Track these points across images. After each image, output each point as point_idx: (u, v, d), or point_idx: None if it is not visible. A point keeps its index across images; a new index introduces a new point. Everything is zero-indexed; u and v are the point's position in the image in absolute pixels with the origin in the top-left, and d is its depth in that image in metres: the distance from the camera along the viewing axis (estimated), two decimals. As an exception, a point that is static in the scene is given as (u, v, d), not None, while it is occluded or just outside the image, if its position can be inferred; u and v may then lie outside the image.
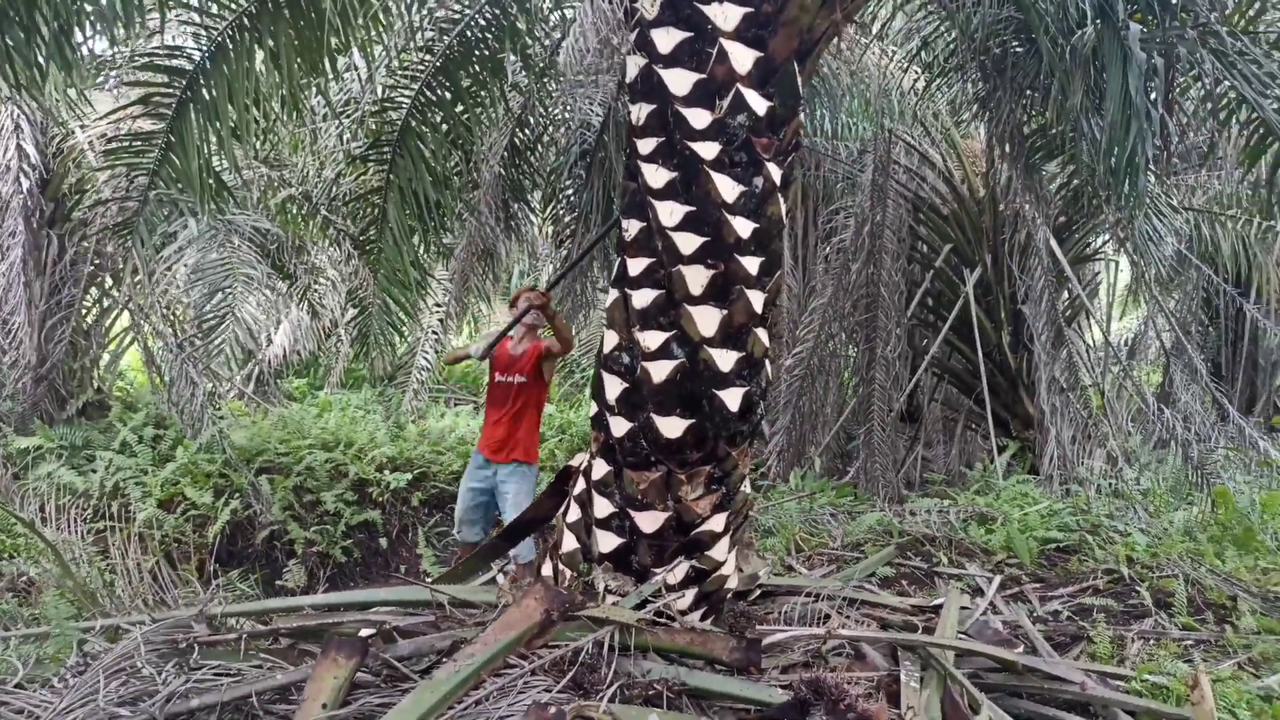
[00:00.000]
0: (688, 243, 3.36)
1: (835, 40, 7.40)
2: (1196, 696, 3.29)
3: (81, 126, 7.25)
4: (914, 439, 9.89)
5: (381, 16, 5.44)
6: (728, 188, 3.33)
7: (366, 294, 7.62)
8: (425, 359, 11.91)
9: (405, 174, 6.65)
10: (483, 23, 5.88)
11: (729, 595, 4.03)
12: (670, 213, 3.37)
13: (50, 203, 7.97)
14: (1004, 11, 5.76)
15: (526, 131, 7.47)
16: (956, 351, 9.58)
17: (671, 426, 3.49)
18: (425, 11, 5.84)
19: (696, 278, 3.38)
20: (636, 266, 3.51)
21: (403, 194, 6.73)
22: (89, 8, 4.63)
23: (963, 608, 4.64)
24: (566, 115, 7.39)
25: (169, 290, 7.51)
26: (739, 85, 3.30)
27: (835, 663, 3.81)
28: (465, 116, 6.80)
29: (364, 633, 3.22)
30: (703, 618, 3.83)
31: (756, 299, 3.46)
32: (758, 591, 4.72)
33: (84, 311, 8.46)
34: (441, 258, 9.67)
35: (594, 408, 3.78)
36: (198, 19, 5.52)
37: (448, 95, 6.55)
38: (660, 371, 3.45)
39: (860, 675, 3.51)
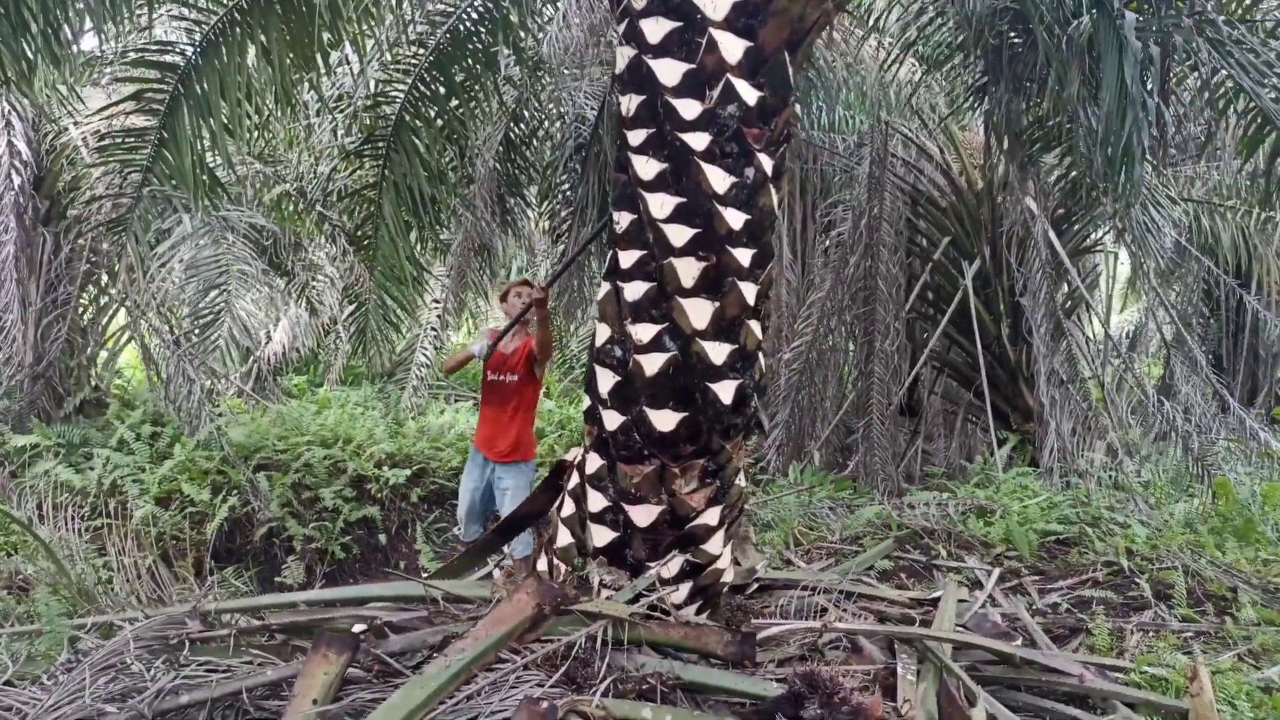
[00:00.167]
0: (679, 235, 3.33)
1: (827, 30, 7.40)
2: (1195, 688, 3.26)
3: (75, 123, 7.22)
4: (914, 432, 9.87)
5: (373, 9, 5.42)
6: (719, 179, 3.30)
7: (363, 290, 7.61)
8: (424, 355, 11.90)
9: (400, 169, 6.62)
10: (475, 16, 5.85)
11: (725, 589, 4.01)
12: (661, 205, 3.35)
13: (45, 200, 7.95)
14: (1001, 2, 5.73)
15: (521, 126, 7.45)
16: (956, 344, 9.55)
17: (664, 420, 3.47)
18: (417, 4, 5.79)
19: (688, 270, 3.35)
20: (628, 259, 3.48)
21: (398, 189, 6.70)
22: (78, 4, 4.62)
23: (961, 601, 4.63)
24: (561, 109, 7.37)
25: (165, 287, 7.49)
26: (729, 75, 3.27)
27: (831, 656, 3.79)
28: (459, 111, 6.77)
29: (356, 628, 3.21)
30: (698, 612, 3.81)
31: (749, 291, 3.43)
32: (755, 585, 4.70)
33: (81, 310, 8.45)
34: (439, 254, 9.66)
35: (587, 401, 3.76)
36: (189, 14, 5.50)
37: (441, 89, 6.52)
38: (652, 364, 3.43)
39: (856, 668, 3.49)
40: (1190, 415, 8.23)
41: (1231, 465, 7.56)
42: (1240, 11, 5.50)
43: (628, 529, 3.63)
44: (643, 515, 3.59)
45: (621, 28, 3.50)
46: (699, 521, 3.63)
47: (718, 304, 3.41)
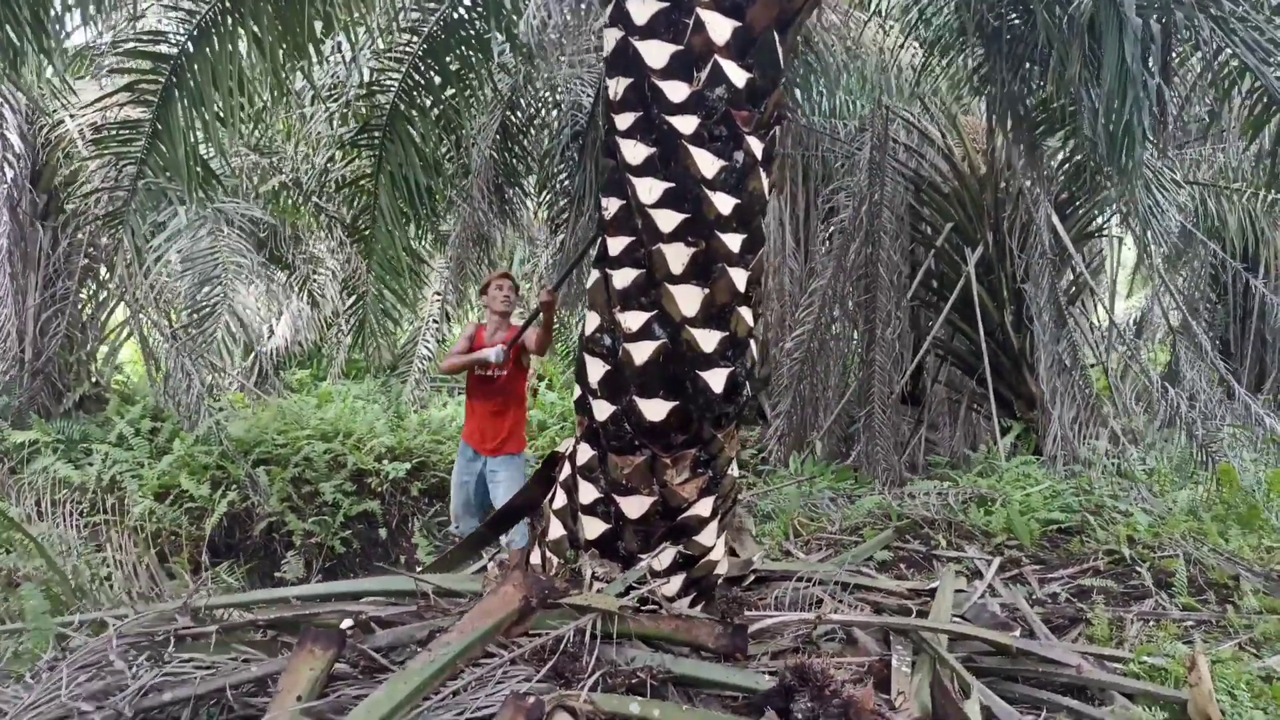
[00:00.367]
0: (667, 220, 3.28)
1: (817, 10, 7.31)
2: (1194, 678, 3.21)
3: (71, 116, 7.19)
4: (918, 421, 9.79)
5: (364, -2, 5.36)
6: (707, 162, 3.24)
7: (361, 283, 7.57)
8: (426, 348, 11.87)
9: (396, 159, 6.56)
10: (467, 2, 5.78)
11: (719, 581, 3.96)
12: (649, 189, 3.29)
13: (43, 195, 7.92)
14: (1001, -20, 5.64)
15: (518, 114, 7.38)
16: (959, 332, 9.46)
17: (654, 409, 3.42)
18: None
19: (677, 256, 3.29)
20: (617, 246, 3.43)
21: (394, 180, 6.64)
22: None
23: (960, 591, 4.57)
24: (558, 97, 7.30)
25: (162, 281, 7.46)
26: (717, 56, 3.21)
27: (827, 648, 3.75)
28: (454, 99, 6.70)
29: (345, 624, 3.17)
30: (692, 604, 3.76)
31: (739, 277, 3.37)
32: (751, 577, 4.66)
33: (80, 305, 8.43)
34: (440, 245, 9.62)
35: (578, 391, 3.71)
36: (181, 3, 5.45)
37: (436, 78, 6.46)
38: (642, 353, 3.37)
39: (850, 660, 3.44)
40: (1195, 402, 8.14)
41: (1237, 452, 7.49)
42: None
43: (619, 521, 3.58)
44: (634, 507, 3.54)
45: (609, 9, 3.43)
46: (691, 513, 3.58)
47: (707, 290, 3.35)
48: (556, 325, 12.67)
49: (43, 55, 5.02)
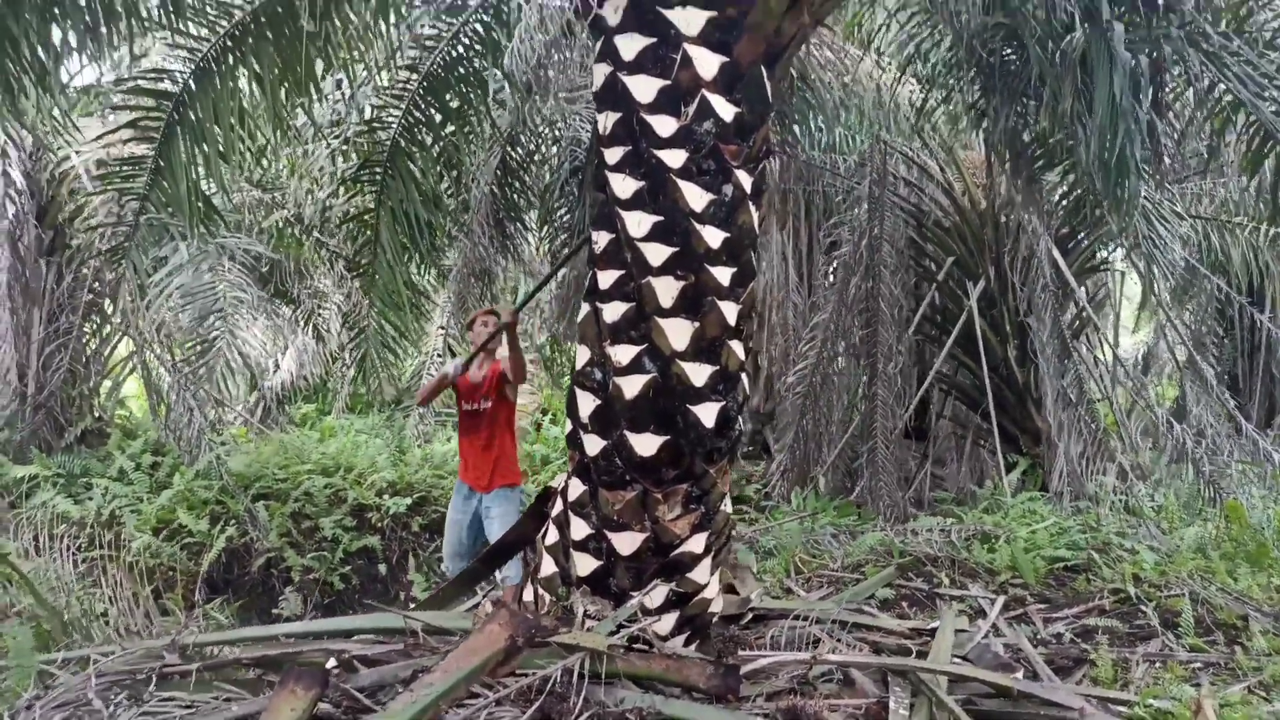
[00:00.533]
0: (656, 253, 3.27)
1: (812, 46, 7.35)
2: (1199, 721, 3.13)
3: (76, 153, 7.27)
4: (924, 456, 9.71)
5: (362, 36, 5.42)
6: (695, 196, 3.24)
7: (362, 317, 7.58)
8: (433, 373, 11.85)
9: (397, 194, 6.60)
10: (464, 41, 5.84)
11: (714, 619, 3.90)
12: (638, 223, 3.28)
13: (49, 230, 7.99)
14: (994, 17, 5.67)
15: (518, 150, 7.43)
16: (963, 366, 9.41)
17: (645, 444, 3.38)
18: (406, 30, 5.80)
19: (666, 289, 3.28)
20: (606, 279, 3.42)
21: (395, 215, 6.68)
22: (66, 26, 4.63)
23: (962, 630, 4.49)
24: (557, 132, 7.35)
25: (164, 315, 7.49)
26: (704, 91, 3.22)
27: (824, 689, 3.67)
28: (454, 136, 6.76)
29: (330, 663, 3.12)
30: (687, 642, 3.70)
31: (730, 310, 3.36)
32: (750, 615, 4.59)
33: (84, 340, 8.47)
34: (443, 279, 9.65)
35: (569, 425, 3.68)
36: (183, 41, 5.52)
37: (435, 114, 6.52)
38: (632, 387, 3.35)
39: (847, 702, 3.37)
40: (1203, 437, 8.05)
41: (1246, 488, 7.38)
42: (1236, 24, 5.41)
43: (611, 557, 3.54)
44: (625, 543, 3.50)
45: (597, 45, 3.45)
46: (683, 549, 3.54)
47: (697, 324, 3.33)
48: (558, 359, 12.63)
49: (47, 93, 5.07)
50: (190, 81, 5.43)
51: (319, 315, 10.93)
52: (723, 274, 3.32)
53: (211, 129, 5.49)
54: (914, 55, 6.76)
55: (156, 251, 6.61)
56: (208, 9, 5.25)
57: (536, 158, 7.86)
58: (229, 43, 5.34)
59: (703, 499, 3.56)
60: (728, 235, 3.32)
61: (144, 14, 4.68)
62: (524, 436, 11.56)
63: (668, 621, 3.57)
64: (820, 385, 8.79)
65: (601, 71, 3.42)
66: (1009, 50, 5.82)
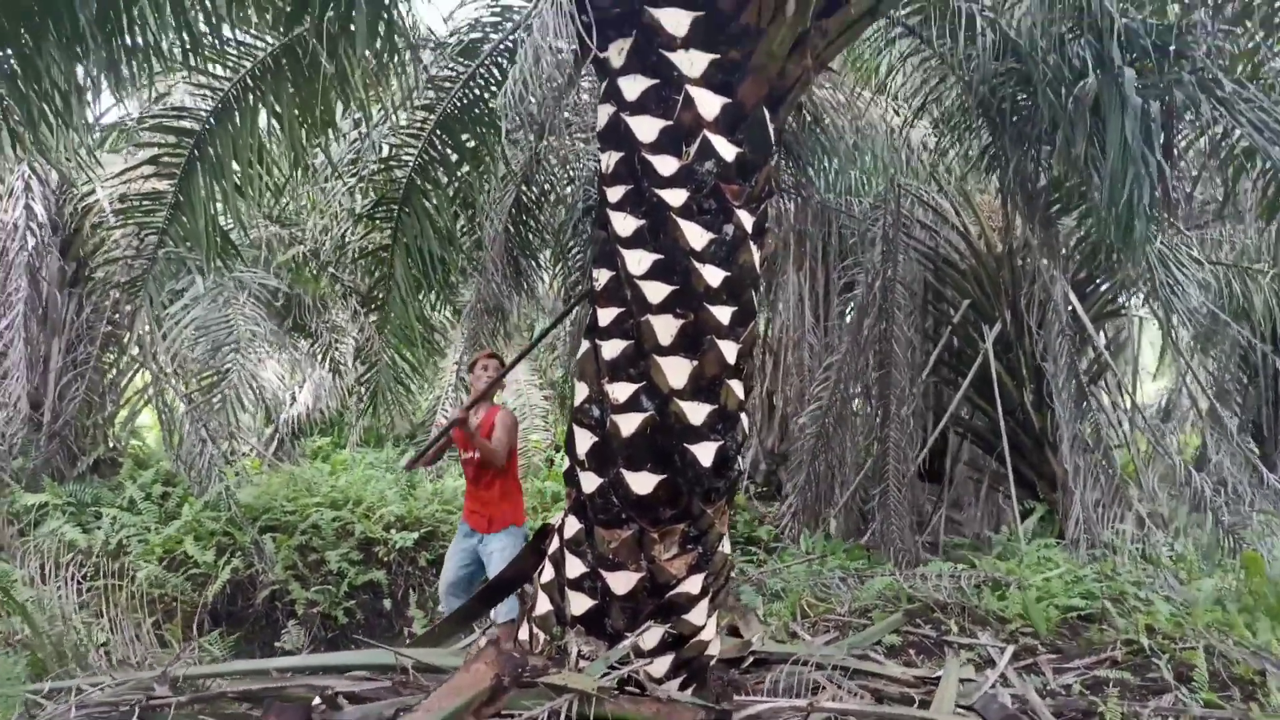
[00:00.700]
0: (656, 291, 3.27)
1: (827, 89, 7.40)
2: (1208, 780, 3.02)
3: (100, 187, 7.41)
4: (939, 500, 9.59)
5: (375, 76, 5.51)
6: (696, 235, 3.24)
7: (375, 352, 7.63)
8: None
9: (411, 231, 6.67)
10: (480, 82, 5.93)
11: (712, 661, 3.83)
12: (638, 261, 3.29)
13: (71, 262, 8.13)
14: (1004, 63, 5.70)
15: (533, 188, 7.49)
16: (979, 410, 9.33)
17: (642, 482, 3.35)
18: (423, 70, 5.89)
19: (665, 327, 3.27)
20: (606, 316, 3.42)
21: (409, 251, 6.74)
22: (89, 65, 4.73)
23: (969, 680, 4.39)
24: (570, 172, 7.42)
25: (179, 347, 7.57)
26: (706, 131, 3.24)
27: (822, 737, 3.59)
28: (469, 174, 6.84)
29: (317, 700, 3.09)
30: (683, 686, 3.63)
31: (729, 350, 3.34)
32: (751, 658, 4.51)
33: (103, 371, 8.56)
34: (458, 315, 9.72)
35: (567, 463, 3.66)
36: (203, 80, 5.64)
37: (450, 153, 6.60)
38: (629, 424, 3.33)
39: (844, 751, 3.30)
40: (1223, 486, 7.90)
41: (1270, 539, 7.21)
42: (1251, 70, 5.40)
43: (606, 596, 3.50)
44: (621, 582, 3.46)
45: (602, 86, 3.49)
46: (680, 590, 3.49)
47: (696, 363, 3.32)
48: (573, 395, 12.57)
49: (70, 129, 5.18)
50: (211, 119, 5.53)
51: (336, 349, 11.01)
52: (722, 313, 3.32)
53: (230, 165, 5.58)
54: (926, 101, 6.80)
55: (173, 285, 6.70)
56: (228, 50, 5.36)
57: (552, 196, 7.93)
58: (249, 81, 5.44)
59: (700, 539, 3.52)
60: (728, 274, 3.32)
61: (165, 53, 4.78)
62: (536, 473, 11.53)
63: (663, 663, 3.51)
64: (833, 426, 8.73)
65: (605, 112, 3.45)
66: (1023, 96, 5.84)
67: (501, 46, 6.00)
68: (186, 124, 5.69)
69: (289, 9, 4.57)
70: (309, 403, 14.14)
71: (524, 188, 7.41)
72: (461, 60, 6.07)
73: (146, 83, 4.95)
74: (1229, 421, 8.15)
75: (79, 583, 6.01)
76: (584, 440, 3.50)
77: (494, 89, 6.08)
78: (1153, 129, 4.23)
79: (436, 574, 8.38)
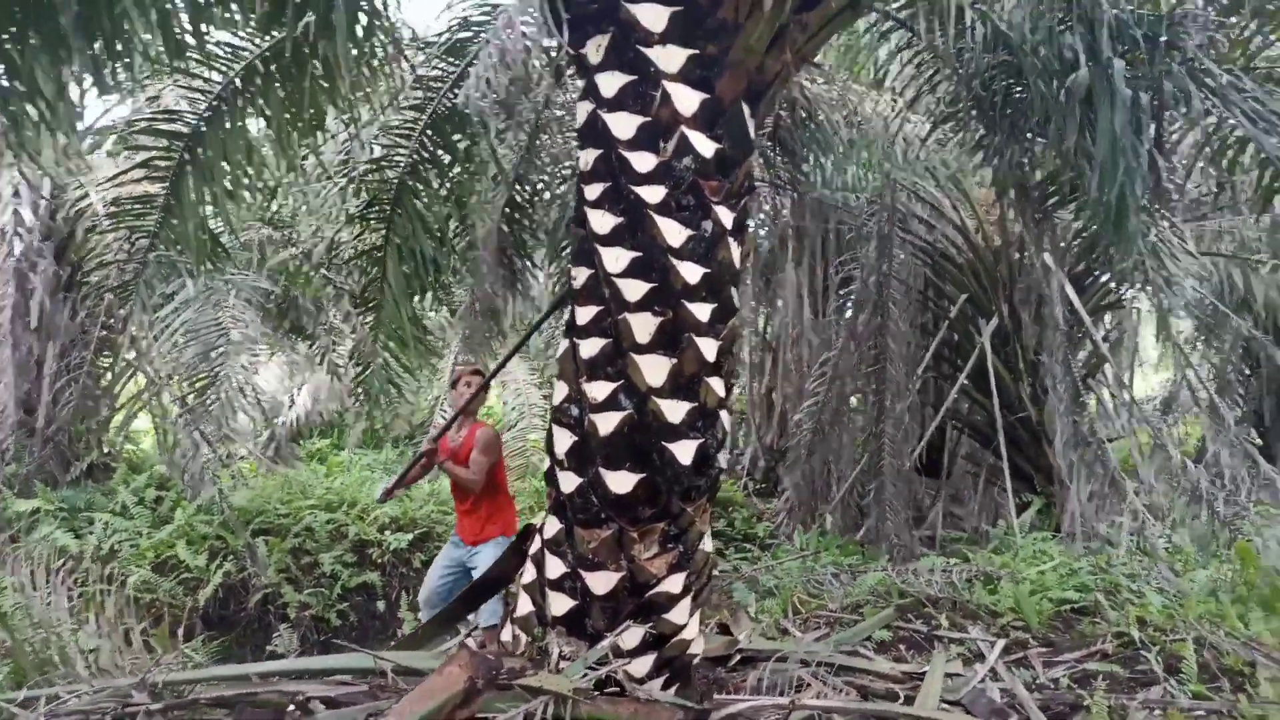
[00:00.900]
0: (634, 289, 3.24)
1: (817, 83, 7.36)
2: (1194, 777, 2.99)
3: (93, 191, 7.41)
4: (937, 494, 9.56)
5: (361, 78, 5.48)
6: (674, 232, 3.22)
7: (369, 353, 7.61)
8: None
9: (403, 232, 6.65)
10: (484, 83, 5.88)
11: (696, 660, 3.81)
12: (616, 259, 3.26)
13: (66, 267, 8.13)
14: (997, 56, 5.66)
15: (525, 187, 7.46)
16: (976, 404, 9.30)
17: (621, 481, 3.33)
18: (410, 71, 5.87)
19: (643, 325, 3.25)
20: (584, 315, 3.39)
21: (401, 252, 6.73)
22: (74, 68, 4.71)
23: (957, 675, 4.36)
24: (564, 171, 7.38)
25: (170, 351, 7.56)
26: (684, 127, 3.21)
27: (807, 735, 3.57)
28: (460, 174, 6.81)
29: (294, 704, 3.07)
30: (665, 685, 3.61)
31: (708, 347, 3.31)
32: (738, 656, 4.49)
33: (97, 375, 8.55)
34: (454, 315, 9.69)
35: (547, 462, 3.64)
36: (192, 83, 5.62)
37: (442, 154, 6.58)
38: (607, 423, 3.31)
39: (827, 750, 3.27)
40: (1222, 478, 7.85)
41: (1266, 530, 7.16)
42: (1245, 60, 5.36)
43: (586, 597, 3.47)
44: (601, 582, 3.43)
45: (581, 83, 3.46)
46: (660, 589, 3.46)
47: (675, 361, 3.29)
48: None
49: (59, 133, 5.16)
50: (201, 122, 5.52)
51: (334, 351, 11.00)
52: (701, 310, 3.29)
53: (220, 168, 5.56)
54: (919, 94, 6.77)
55: (164, 288, 6.68)
56: (217, 52, 5.34)
57: (545, 195, 7.90)
58: (239, 84, 5.43)
59: (680, 538, 3.49)
60: (707, 271, 3.29)
61: (150, 55, 4.76)
62: (535, 472, 11.51)
63: (644, 663, 3.48)
64: (829, 423, 8.71)
65: (584, 109, 3.43)
66: (1019, 89, 5.80)
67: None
68: (177, 127, 5.68)
69: (269, 9, 4.56)
70: (308, 405, 14.14)
71: (517, 187, 7.38)
72: (450, 60, 6.04)
73: (133, 86, 4.95)
74: (1228, 413, 8.09)
75: (70, 589, 6.01)
76: (563, 440, 3.48)
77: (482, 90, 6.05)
78: (1143, 121, 4.19)
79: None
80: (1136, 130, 4.37)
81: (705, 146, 3.27)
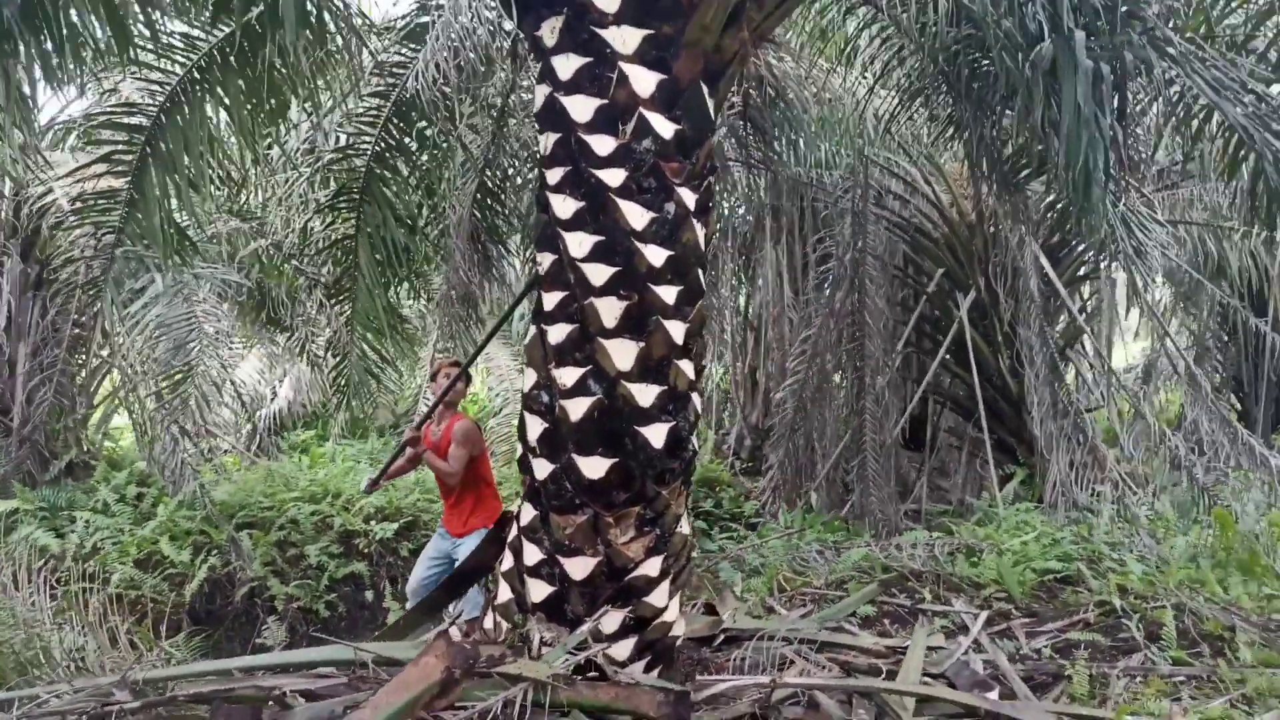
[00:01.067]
0: (598, 274, 3.22)
1: (784, 60, 7.32)
2: (1169, 740, 3.03)
3: (56, 186, 7.31)
4: (921, 468, 9.61)
5: (327, 65, 5.42)
6: (636, 215, 3.20)
7: (344, 343, 7.57)
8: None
9: (374, 220, 6.60)
10: (433, 68, 5.83)
11: (678, 642, 3.82)
12: (579, 243, 3.24)
13: (34, 266, 8.04)
14: (962, 30, 5.63)
15: (496, 172, 7.41)
16: (957, 378, 9.34)
17: (593, 466, 3.32)
18: (369, 58, 5.80)
19: (609, 310, 3.23)
20: (551, 301, 3.37)
21: (372, 240, 6.69)
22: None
23: (939, 648, 4.40)
24: (534, 154, 7.33)
25: (142, 347, 7.49)
26: (642, 109, 3.18)
27: (788, 713, 3.59)
28: (428, 161, 6.76)
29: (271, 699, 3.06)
30: (648, 668, 3.62)
31: (676, 330, 3.30)
32: (722, 636, 4.50)
33: (73, 374, 8.47)
34: (429, 302, 9.64)
35: (520, 450, 3.63)
36: (149, 74, 5.55)
37: (408, 141, 6.52)
38: (577, 409, 3.29)
39: (806, 727, 3.29)
40: (1201, 445, 7.92)
41: (1245, 495, 7.24)
42: (1208, 28, 5.36)
43: (564, 582, 3.47)
44: (578, 568, 3.43)
45: (537, 66, 3.43)
46: (639, 573, 3.46)
47: (643, 344, 3.28)
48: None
49: (17, 128, 5.08)
50: (161, 114, 5.45)
51: (313, 342, 10.94)
52: (667, 293, 3.27)
53: (182, 160, 5.50)
54: (885, 69, 6.74)
55: (133, 283, 6.63)
56: (173, 42, 5.27)
57: (517, 180, 7.85)
58: (196, 74, 5.36)
59: (657, 521, 3.49)
60: (671, 253, 3.27)
61: (100, 47, 4.68)
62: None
63: (625, 647, 3.48)
64: (811, 400, 8.72)
65: (542, 93, 3.39)
66: (986, 62, 5.78)
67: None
68: (137, 120, 5.61)
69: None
70: (290, 396, 14.07)
71: (487, 172, 7.33)
72: (411, 45, 5.98)
73: (84, 79, 4.86)
74: (1204, 380, 8.16)
75: (53, 588, 5.97)
76: (534, 426, 3.47)
77: (445, 76, 5.98)
78: (1104, 91, 4.19)
79: (418, 563, 8.37)
80: (1098, 101, 4.37)
81: (664, 128, 3.24)
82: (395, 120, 6.33)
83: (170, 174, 5.57)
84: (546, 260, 3.40)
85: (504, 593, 3.73)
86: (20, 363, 7.61)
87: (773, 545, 6.74)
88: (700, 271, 3.46)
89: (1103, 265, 9.39)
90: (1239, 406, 12.52)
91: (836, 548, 6.71)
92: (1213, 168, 7.86)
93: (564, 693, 2.98)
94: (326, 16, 4.20)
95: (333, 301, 7.50)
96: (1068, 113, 4.37)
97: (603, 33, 3.17)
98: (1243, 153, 5.05)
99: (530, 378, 3.50)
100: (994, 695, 3.79)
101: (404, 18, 6.17)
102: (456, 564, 4.98)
